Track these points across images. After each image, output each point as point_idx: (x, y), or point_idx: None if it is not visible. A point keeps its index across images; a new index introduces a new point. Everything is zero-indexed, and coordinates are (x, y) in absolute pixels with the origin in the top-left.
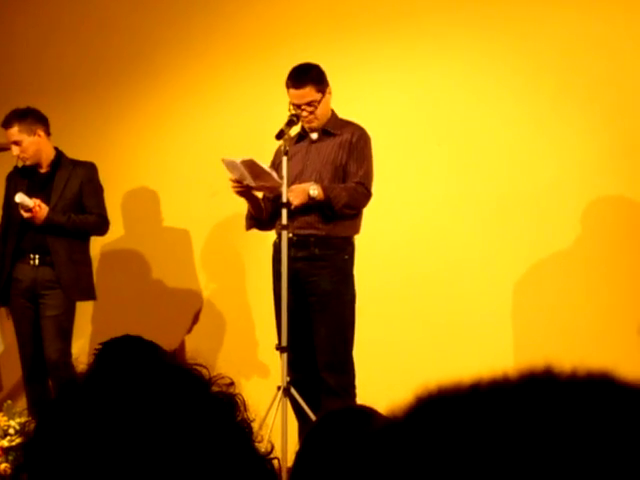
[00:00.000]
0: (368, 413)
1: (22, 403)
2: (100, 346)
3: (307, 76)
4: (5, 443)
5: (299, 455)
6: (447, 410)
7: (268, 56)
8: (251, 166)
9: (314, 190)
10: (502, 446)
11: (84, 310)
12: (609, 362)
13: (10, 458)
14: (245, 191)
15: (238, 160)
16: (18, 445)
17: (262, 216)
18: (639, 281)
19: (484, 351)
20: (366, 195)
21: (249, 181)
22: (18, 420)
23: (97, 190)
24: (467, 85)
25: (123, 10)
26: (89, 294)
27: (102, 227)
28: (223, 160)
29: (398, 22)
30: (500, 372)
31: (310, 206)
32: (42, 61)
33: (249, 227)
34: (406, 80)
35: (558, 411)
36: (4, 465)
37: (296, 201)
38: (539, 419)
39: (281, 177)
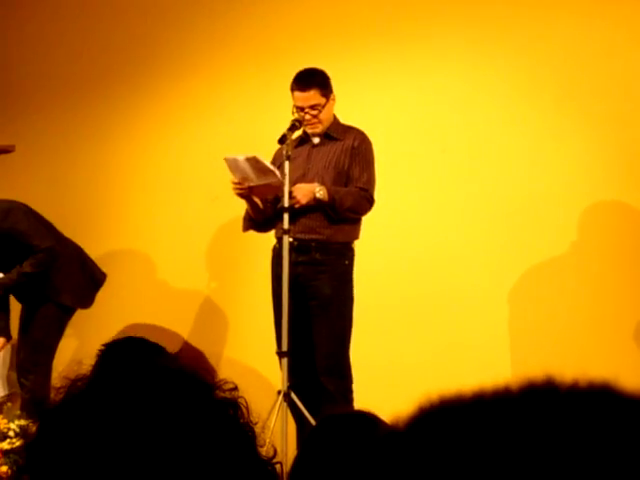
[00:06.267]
0: (369, 418)
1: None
2: (103, 347)
3: (313, 79)
4: (5, 445)
5: (298, 458)
6: (450, 421)
7: (270, 62)
8: (254, 163)
9: (320, 191)
10: (505, 457)
11: (85, 311)
12: (605, 369)
13: (10, 460)
14: (246, 193)
15: (241, 157)
16: (18, 447)
17: (260, 218)
18: (636, 288)
19: (483, 358)
20: (369, 202)
21: (252, 180)
22: (18, 423)
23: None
24: (471, 92)
25: (126, 14)
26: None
27: (49, 260)
28: (226, 159)
29: (401, 28)
30: (501, 382)
31: (313, 208)
32: (44, 64)
33: (246, 228)
34: (410, 86)
35: (560, 422)
36: (4, 467)
37: (304, 200)
38: (541, 430)
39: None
